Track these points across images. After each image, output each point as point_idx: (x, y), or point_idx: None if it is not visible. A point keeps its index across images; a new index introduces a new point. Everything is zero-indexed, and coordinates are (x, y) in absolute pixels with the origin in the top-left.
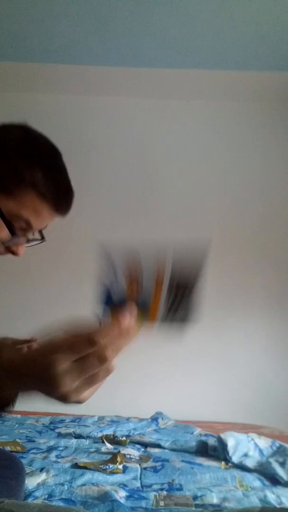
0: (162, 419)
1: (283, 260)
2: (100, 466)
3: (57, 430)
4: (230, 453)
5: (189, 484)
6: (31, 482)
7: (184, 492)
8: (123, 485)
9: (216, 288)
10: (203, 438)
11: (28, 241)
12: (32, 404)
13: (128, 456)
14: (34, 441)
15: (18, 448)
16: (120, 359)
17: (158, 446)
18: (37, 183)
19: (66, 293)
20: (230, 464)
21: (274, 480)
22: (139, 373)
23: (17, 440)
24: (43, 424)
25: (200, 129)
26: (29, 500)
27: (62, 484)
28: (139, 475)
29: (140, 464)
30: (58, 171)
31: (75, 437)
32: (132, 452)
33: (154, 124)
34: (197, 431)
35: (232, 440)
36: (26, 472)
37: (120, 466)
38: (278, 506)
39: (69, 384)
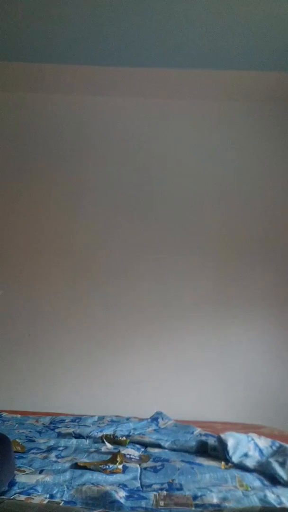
0: (162, 419)
1: (283, 260)
2: (100, 466)
3: (57, 430)
4: (230, 453)
5: (189, 484)
6: (31, 482)
7: (184, 492)
8: (123, 485)
9: (216, 288)
10: (203, 438)
11: None
12: (32, 404)
13: (128, 456)
14: (34, 441)
15: (18, 448)
16: (121, 360)
17: (158, 446)
18: None
19: (66, 291)
20: (230, 464)
21: (274, 480)
22: (139, 373)
23: (17, 440)
24: (43, 424)
25: (200, 129)
26: (29, 500)
27: (62, 484)
28: (139, 475)
29: (140, 464)
30: None
31: (75, 437)
32: (132, 452)
33: (154, 124)
34: (197, 431)
35: (232, 440)
36: (26, 472)
37: (120, 466)
38: (278, 506)
39: None
